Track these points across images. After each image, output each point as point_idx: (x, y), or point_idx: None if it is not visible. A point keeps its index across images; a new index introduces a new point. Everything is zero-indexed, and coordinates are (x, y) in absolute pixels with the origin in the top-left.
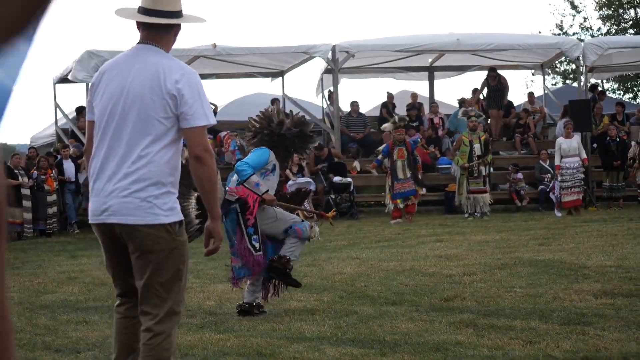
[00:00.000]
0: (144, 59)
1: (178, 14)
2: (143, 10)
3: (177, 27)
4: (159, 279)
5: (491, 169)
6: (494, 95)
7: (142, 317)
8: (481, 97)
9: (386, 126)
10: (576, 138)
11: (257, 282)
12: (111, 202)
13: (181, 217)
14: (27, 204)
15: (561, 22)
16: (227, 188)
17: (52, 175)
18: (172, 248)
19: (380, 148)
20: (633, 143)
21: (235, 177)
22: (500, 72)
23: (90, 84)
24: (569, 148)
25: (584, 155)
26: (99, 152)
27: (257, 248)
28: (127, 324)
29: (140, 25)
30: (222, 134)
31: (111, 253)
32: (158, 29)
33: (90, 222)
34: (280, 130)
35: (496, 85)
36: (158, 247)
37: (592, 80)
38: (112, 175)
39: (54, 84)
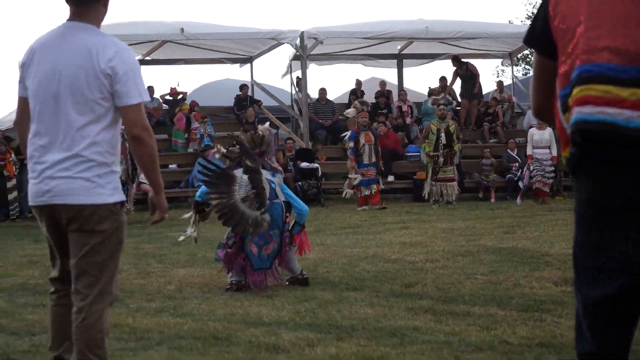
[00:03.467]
0: (75, 38)
1: None
2: None
3: None
4: (96, 259)
5: (460, 159)
6: (465, 85)
7: (74, 295)
8: (453, 87)
9: (349, 111)
10: (549, 130)
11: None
12: (54, 183)
13: (123, 197)
14: None
15: (532, 13)
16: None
17: (10, 159)
18: (115, 228)
19: (347, 135)
20: None
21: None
22: (469, 60)
23: (21, 62)
24: (541, 139)
25: (555, 152)
26: (37, 134)
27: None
28: (60, 312)
29: (69, 0)
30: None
31: (53, 235)
32: (86, 3)
33: (31, 204)
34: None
35: (465, 74)
36: (101, 227)
37: None
38: (54, 157)
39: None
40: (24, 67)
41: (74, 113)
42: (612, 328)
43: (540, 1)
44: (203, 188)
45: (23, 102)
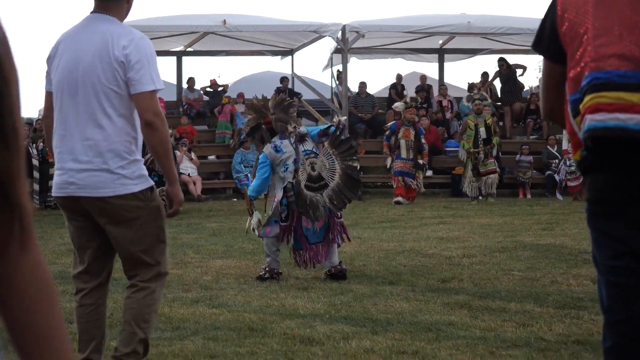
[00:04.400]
0: (95, 28)
1: None
2: None
3: None
4: (140, 247)
5: (499, 153)
6: (508, 86)
7: (129, 279)
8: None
9: (398, 105)
10: None
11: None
12: (79, 175)
13: (151, 183)
14: (36, 174)
15: None
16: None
17: None
18: (147, 214)
19: (388, 125)
20: None
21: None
22: (512, 56)
23: (47, 56)
24: None
25: None
26: (60, 125)
27: None
28: (84, 312)
29: None
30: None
31: (78, 227)
32: None
33: (54, 194)
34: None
35: (508, 74)
36: (132, 215)
37: None
38: (76, 149)
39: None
40: (49, 60)
41: (93, 102)
42: (631, 320)
43: (548, 7)
44: (254, 185)
45: (50, 97)
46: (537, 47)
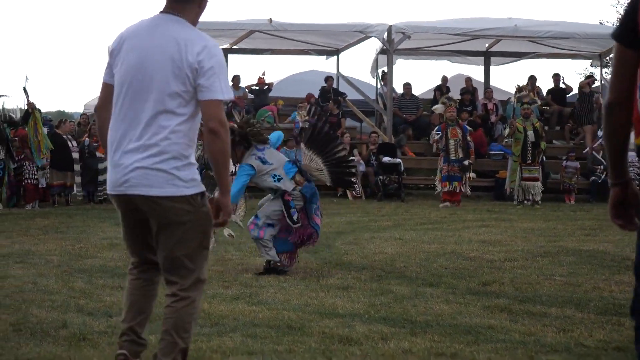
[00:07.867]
0: (166, 29)
1: None
2: None
3: None
4: (184, 251)
5: (544, 158)
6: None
7: (168, 285)
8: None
9: (437, 107)
10: None
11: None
12: (133, 174)
13: (203, 188)
14: (76, 167)
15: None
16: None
17: None
18: (195, 219)
19: (434, 130)
20: None
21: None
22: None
23: (110, 49)
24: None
25: None
26: (119, 123)
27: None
28: (139, 285)
29: None
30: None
31: (130, 225)
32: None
33: (109, 192)
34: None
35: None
36: (181, 219)
37: None
38: (133, 147)
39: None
40: (113, 54)
41: (157, 103)
42: None
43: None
44: (233, 192)
45: (107, 88)
46: (618, 37)
